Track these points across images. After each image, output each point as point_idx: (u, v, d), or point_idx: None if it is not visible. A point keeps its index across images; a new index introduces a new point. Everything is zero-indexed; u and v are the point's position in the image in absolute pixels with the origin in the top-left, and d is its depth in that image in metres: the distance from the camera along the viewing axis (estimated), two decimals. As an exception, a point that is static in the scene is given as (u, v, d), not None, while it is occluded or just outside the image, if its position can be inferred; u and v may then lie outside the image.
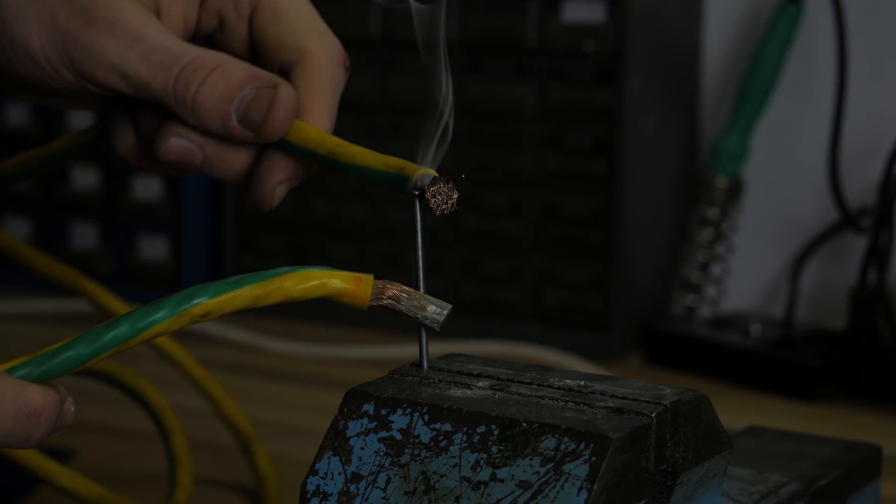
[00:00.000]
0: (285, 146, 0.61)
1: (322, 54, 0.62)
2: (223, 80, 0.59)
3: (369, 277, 0.52)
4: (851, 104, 1.11)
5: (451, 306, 0.53)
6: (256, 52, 0.64)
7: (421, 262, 0.54)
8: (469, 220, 1.16)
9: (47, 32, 0.59)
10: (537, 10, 1.12)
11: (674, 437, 0.50)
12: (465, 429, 0.48)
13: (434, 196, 0.54)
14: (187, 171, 0.63)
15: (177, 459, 0.75)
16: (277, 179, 0.62)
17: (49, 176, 1.30)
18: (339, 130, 0.61)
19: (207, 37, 0.65)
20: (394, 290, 0.52)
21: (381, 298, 0.52)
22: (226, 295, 0.49)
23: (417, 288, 0.53)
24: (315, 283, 0.51)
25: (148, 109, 0.62)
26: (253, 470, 0.81)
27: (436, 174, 0.54)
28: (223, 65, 0.59)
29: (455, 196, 0.54)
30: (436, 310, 0.52)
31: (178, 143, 0.61)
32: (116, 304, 0.79)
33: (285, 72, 0.63)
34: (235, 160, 0.62)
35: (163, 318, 0.48)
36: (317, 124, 0.61)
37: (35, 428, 0.47)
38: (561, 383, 0.52)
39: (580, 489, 0.46)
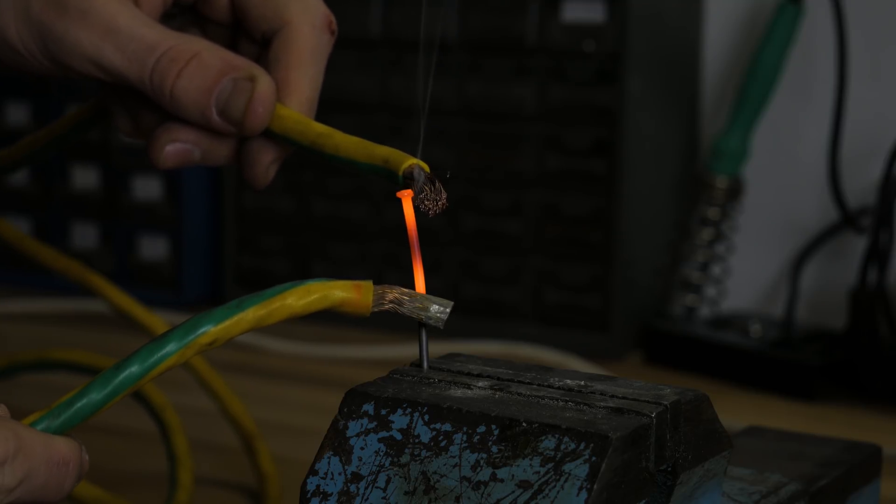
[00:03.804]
0: (268, 133, 0.61)
1: (303, 23, 0.62)
2: (200, 71, 0.58)
3: (369, 284, 0.52)
4: (851, 104, 1.11)
5: (452, 303, 0.53)
6: (239, 21, 0.63)
7: (418, 258, 0.54)
8: (469, 220, 1.16)
9: (23, 23, 0.59)
10: (537, 10, 1.12)
11: (674, 437, 0.50)
12: (465, 429, 0.48)
13: (423, 202, 0.53)
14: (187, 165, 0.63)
15: (177, 458, 0.75)
16: (268, 160, 0.62)
17: (49, 176, 1.30)
18: (340, 128, 0.61)
19: (189, 6, 0.64)
20: (394, 293, 0.52)
21: (383, 303, 0.52)
22: (230, 320, 0.49)
23: (415, 286, 0.53)
24: (316, 296, 0.51)
25: (134, 93, 0.61)
26: (255, 469, 0.81)
27: (423, 164, 0.54)
28: (199, 54, 0.59)
29: (444, 195, 0.54)
30: (438, 308, 0.52)
31: (174, 148, 0.61)
32: (121, 298, 0.79)
33: (268, 41, 0.62)
34: (225, 147, 0.62)
35: (171, 353, 0.49)
36: (297, 97, 0.61)
37: (66, 476, 0.48)
38: (561, 383, 0.52)
39: (580, 489, 0.46)
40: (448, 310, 0.53)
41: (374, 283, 0.52)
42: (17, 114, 1.31)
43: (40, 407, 0.48)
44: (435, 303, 0.52)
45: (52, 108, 1.29)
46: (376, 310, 0.52)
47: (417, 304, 0.52)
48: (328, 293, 0.51)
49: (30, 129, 1.30)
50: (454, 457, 0.48)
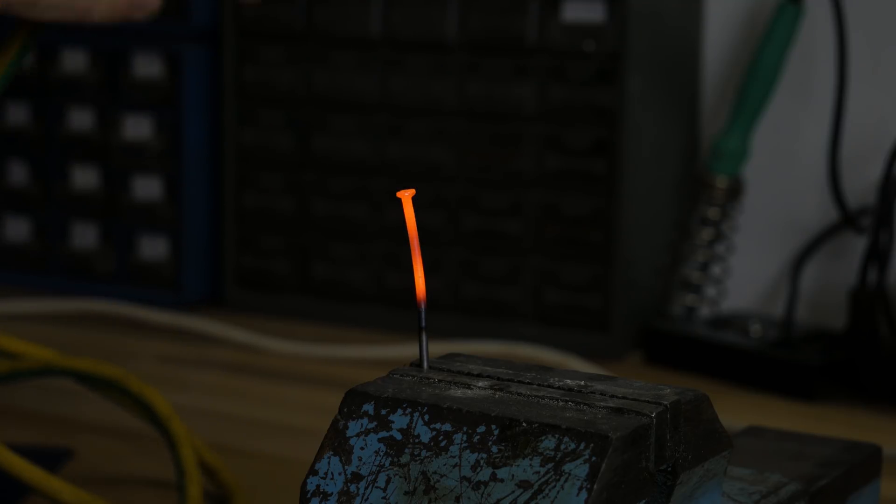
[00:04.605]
0: None
1: None
2: None
3: None
4: (851, 104, 1.11)
5: None
6: None
7: (418, 257, 0.53)
8: (469, 220, 1.16)
9: None
10: (537, 10, 1.12)
11: (674, 437, 0.50)
12: (465, 429, 0.48)
13: None
14: None
15: (185, 472, 0.72)
16: None
17: (49, 176, 1.30)
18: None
19: None
20: None
21: None
22: None
23: (416, 286, 0.53)
24: None
25: None
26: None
27: None
28: None
29: None
30: None
31: None
32: None
33: None
34: None
35: None
36: None
37: None
38: (561, 383, 0.52)
39: (580, 489, 0.46)
40: None
41: None
42: (17, 114, 1.31)
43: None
44: None
45: (52, 108, 1.29)
46: None
47: None
48: None
49: (30, 129, 1.30)
50: (454, 457, 0.48)
